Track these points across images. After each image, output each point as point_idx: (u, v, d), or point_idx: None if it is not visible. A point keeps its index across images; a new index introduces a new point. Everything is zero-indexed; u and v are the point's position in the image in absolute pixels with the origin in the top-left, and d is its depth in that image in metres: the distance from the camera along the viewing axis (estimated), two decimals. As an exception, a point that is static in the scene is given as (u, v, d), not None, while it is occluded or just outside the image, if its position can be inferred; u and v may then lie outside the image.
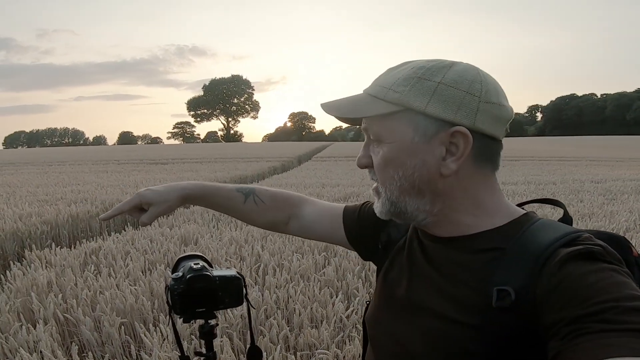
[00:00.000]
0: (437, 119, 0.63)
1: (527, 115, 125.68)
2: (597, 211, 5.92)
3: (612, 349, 0.44)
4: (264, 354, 1.98)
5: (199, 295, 0.90)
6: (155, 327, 2.37)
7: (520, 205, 0.74)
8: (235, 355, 2.03)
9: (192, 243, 4.46)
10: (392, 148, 0.66)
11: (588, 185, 9.28)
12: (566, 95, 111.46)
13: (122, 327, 2.45)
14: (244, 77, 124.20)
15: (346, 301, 2.71)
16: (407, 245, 0.77)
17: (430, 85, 0.63)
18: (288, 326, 2.31)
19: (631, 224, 5.06)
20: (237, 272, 0.96)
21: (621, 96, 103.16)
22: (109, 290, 2.89)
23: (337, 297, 2.62)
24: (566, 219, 0.69)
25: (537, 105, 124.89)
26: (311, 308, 2.49)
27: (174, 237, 4.64)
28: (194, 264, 0.93)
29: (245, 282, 0.95)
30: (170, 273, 0.98)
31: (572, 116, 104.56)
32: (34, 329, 2.34)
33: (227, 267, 1.05)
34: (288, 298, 2.64)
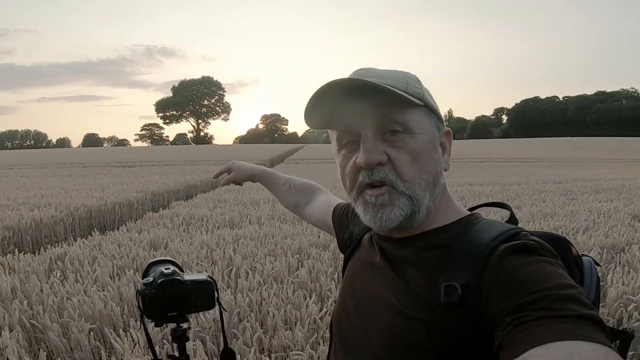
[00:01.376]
0: (440, 119, 0.72)
1: (493, 117, 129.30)
2: (559, 211, 6.16)
3: (551, 335, 0.47)
4: (238, 356, 1.98)
5: (171, 299, 0.90)
6: (126, 333, 2.34)
7: (472, 209, 0.79)
8: (208, 358, 2.03)
9: (161, 247, 4.39)
10: (423, 140, 0.67)
11: (550, 185, 9.64)
12: (530, 98, 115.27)
13: (92, 332, 2.40)
14: (214, 79, 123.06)
15: (320, 302, 2.74)
16: (366, 244, 0.81)
17: (427, 90, 0.72)
18: (262, 328, 2.31)
19: (590, 223, 5.29)
20: (209, 276, 0.97)
21: (582, 99, 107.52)
22: (77, 296, 2.82)
23: (310, 298, 2.64)
24: (512, 220, 0.74)
25: (502, 107, 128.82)
26: (285, 310, 2.50)
27: (142, 241, 4.56)
28: (165, 268, 0.94)
29: (217, 286, 0.96)
30: (140, 278, 0.99)
31: (535, 118, 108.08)
32: (0, 336, 2.27)
33: (199, 271, 1.05)
34: (261, 301, 2.64)
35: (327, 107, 0.69)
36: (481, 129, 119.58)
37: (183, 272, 0.97)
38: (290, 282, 3.04)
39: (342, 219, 0.99)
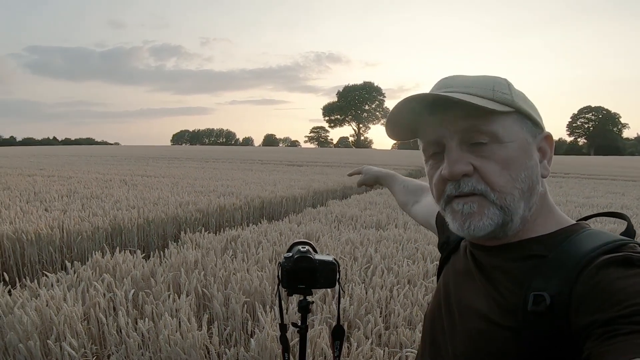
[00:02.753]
0: (535, 123, 0.69)
1: None
2: None
3: (639, 349, 0.45)
4: (355, 344, 2.15)
5: (302, 273, 1.11)
6: (271, 309, 2.71)
7: (586, 218, 0.75)
8: (329, 339, 2.24)
9: (313, 239, 4.82)
10: (513, 148, 0.65)
11: None
12: None
13: (245, 305, 2.84)
14: (375, 84, 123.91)
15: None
16: (462, 251, 0.81)
17: (520, 93, 0.70)
18: (384, 324, 2.44)
19: None
20: (334, 259, 1.15)
21: None
22: (240, 272, 3.33)
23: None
24: (629, 232, 0.67)
25: None
26: (411, 312, 2.58)
27: (299, 232, 5.07)
28: (302, 247, 1.16)
29: (339, 268, 1.13)
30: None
31: None
32: (179, 298, 2.83)
33: (327, 254, 1.25)
34: (390, 299, 2.77)
35: (409, 120, 0.71)
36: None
37: (316, 252, 1.16)
38: (423, 285, 3.09)
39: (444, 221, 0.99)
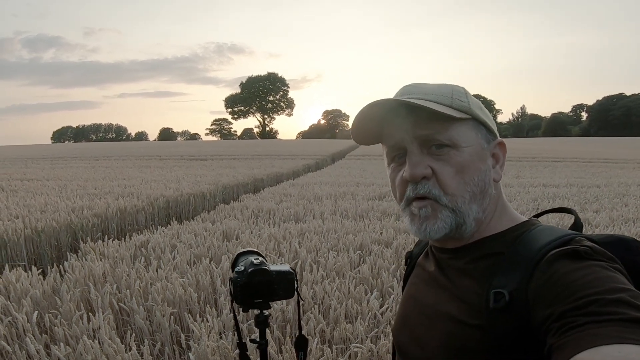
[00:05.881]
0: (490, 130, 0.74)
1: (571, 114, 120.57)
2: (643, 216, 5.75)
3: (598, 339, 0.48)
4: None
5: (258, 287, 1.02)
6: (202, 318, 2.55)
7: (537, 216, 0.81)
8: (275, 344, 2.18)
9: (233, 238, 4.65)
10: (469, 153, 0.70)
11: (634, 189, 8.93)
12: (613, 95, 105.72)
13: (172, 317, 2.63)
14: (279, 75, 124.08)
15: (381, 298, 2.80)
16: (424, 260, 0.85)
17: (476, 102, 0.74)
18: (324, 320, 2.43)
19: (677, 230, 4.88)
20: (291, 268, 1.08)
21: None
22: (160, 281, 3.09)
23: (372, 294, 2.72)
24: (577, 225, 0.73)
25: (582, 104, 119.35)
26: (346, 304, 2.60)
27: (216, 232, 4.84)
28: (255, 259, 1.06)
29: (297, 277, 1.06)
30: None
31: (619, 116, 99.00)
32: (94, 317, 2.54)
33: (282, 263, 1.17)
34: (324, 294, 2.76)
35: (373, 125, 0.75)
36: (557, 126, 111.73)
37: (267, 262, 1.09)
38: (352, 277, 3.13)
39: None
